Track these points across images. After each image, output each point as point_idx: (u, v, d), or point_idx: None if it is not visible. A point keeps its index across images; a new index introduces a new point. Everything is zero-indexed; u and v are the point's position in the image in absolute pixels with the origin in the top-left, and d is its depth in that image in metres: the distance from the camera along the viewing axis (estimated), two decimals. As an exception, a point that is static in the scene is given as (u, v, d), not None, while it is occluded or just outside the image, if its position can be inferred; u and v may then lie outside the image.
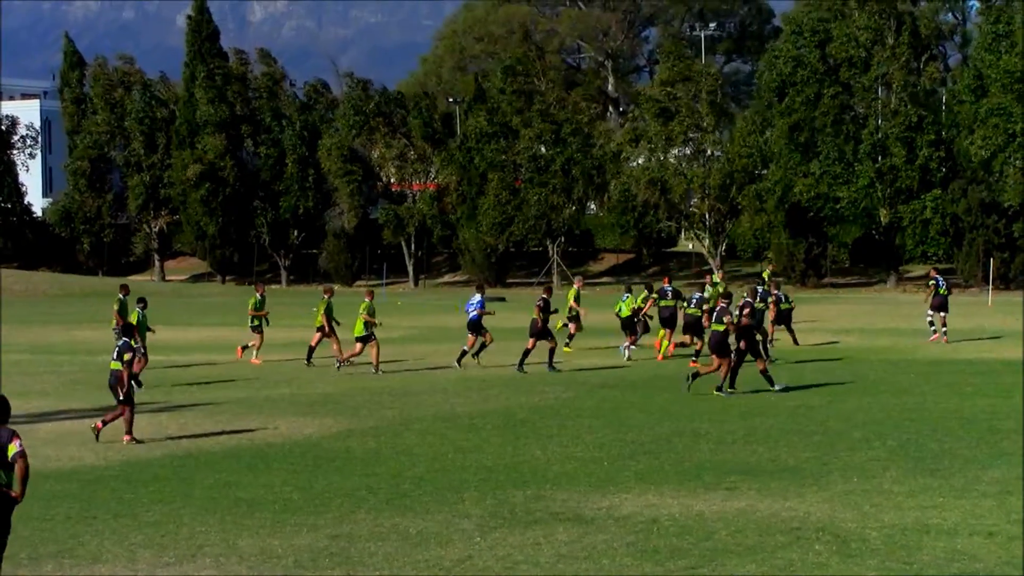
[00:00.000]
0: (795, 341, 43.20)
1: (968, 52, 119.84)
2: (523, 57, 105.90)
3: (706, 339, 34.31)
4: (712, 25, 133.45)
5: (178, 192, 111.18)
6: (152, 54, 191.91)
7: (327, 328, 40.15)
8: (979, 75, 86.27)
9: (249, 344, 41.88)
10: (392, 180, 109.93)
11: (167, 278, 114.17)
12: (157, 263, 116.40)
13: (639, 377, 36.37)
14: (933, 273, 47.59)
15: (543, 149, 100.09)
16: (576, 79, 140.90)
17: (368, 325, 38.57)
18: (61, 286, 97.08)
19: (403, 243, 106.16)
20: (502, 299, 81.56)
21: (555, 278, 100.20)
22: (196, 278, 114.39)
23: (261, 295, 42.64)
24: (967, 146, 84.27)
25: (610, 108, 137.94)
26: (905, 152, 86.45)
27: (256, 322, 41.93)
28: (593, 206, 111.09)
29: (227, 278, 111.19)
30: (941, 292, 45.36)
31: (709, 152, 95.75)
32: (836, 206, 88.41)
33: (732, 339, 31.65)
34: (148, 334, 37.06)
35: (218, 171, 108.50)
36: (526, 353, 38.28)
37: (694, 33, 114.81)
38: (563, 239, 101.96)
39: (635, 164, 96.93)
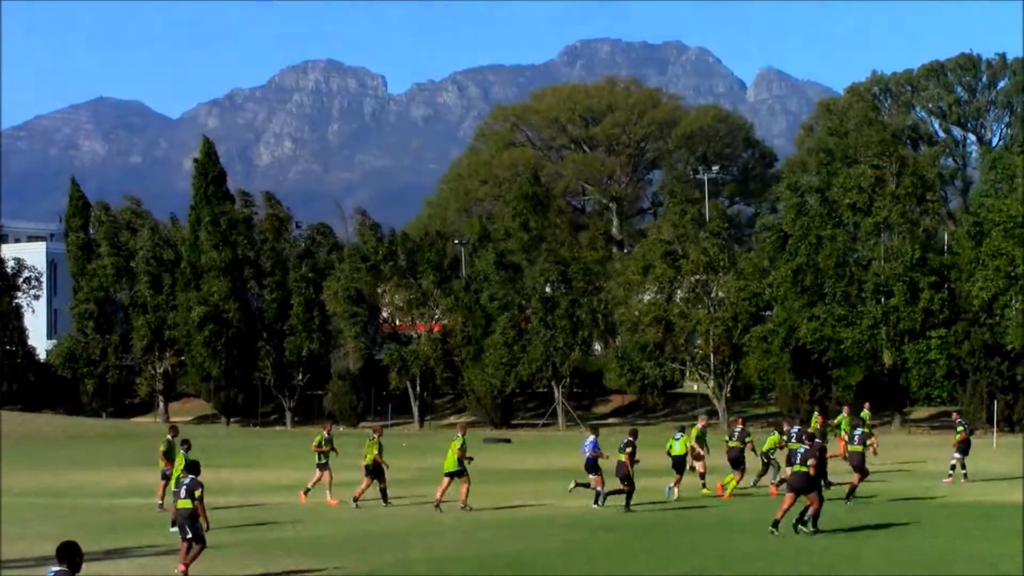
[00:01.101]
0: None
1: (969, 196, 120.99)
2: (531, 196, 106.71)
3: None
4: (715, 168, 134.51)
5: (183, 333, 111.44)
6: (159, 197, 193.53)
7: (383, 464, 40.34)
8: (979, 219, 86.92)
9: (310, 486, 42.01)
10: (397, 321, 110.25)
11: (171, 419, 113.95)
12: (161, 404, 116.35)
13: (644, 521, 36.14)
14: (957, 416, 47.99)
15: (548, 290, 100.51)
16: (581, 222, 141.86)
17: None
18: (64, 428, 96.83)
19: (408, 384, 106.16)
20: (507, 440, 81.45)
21: (560, 419, 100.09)
22: (200, 419, 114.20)
23: (328, 433, 42.67)
24: (968, 288, 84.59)
25: (614, 250, 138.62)
26: (908, 294, 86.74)
27: (323, 459, 41.86)
28: (599, 347, 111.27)
29: (231, 419, 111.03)
30: (963, 434, 46.02)
31: (714, 293, 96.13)
32: (840, 347, 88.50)
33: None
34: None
35: (223, 313, 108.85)
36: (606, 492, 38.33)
37: (697, 176, 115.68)
38: (568, 380, 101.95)
39: (644, 299, 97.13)
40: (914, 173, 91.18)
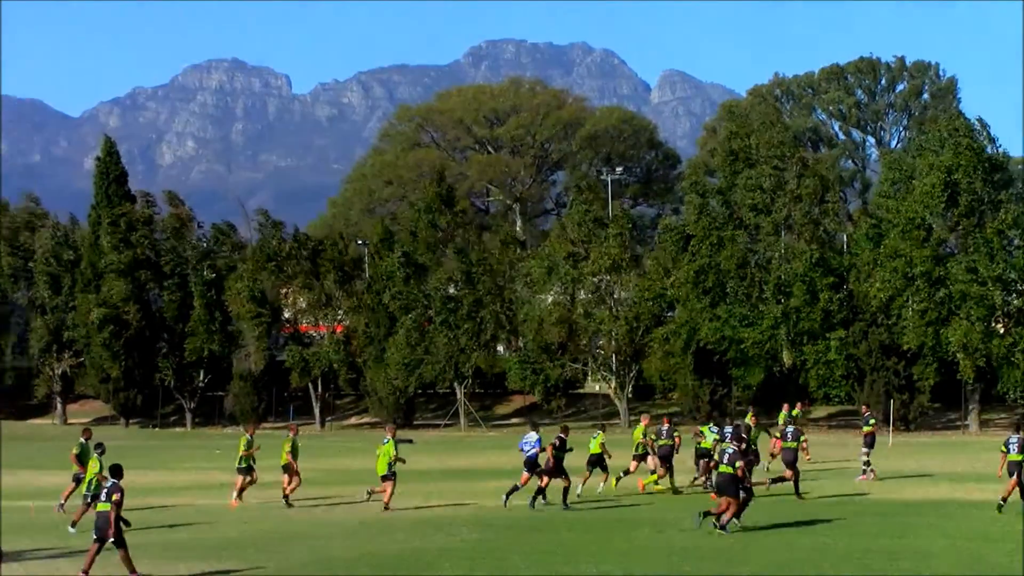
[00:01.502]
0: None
1: (868, 197, 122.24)
2: (437, 196, 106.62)
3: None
4: (619, 169, 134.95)
5: (82, 335, 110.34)
6: (59, 197, 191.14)
7: (294, 467, 40.42)
8: (878, 220, 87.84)
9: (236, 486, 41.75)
10: (300, 322, 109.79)
11: (69, 421, 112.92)
12: (59, 406, 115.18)
13: (547, 518, 36.22)
14: (866, 410, 48.83)
15: (452, 290, 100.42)
16: (485, 222, 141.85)
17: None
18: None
19: (310, 385, 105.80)
20: (410, 441, 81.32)
21: (462, 420, 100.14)
22: (99, 421, 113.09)
23: (252, 436, 42.41)
24: (867, 289, 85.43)
25: (518, 250, 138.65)
26: (807, 295, 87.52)
27: (245, 463, 41.56)
28: (502, 348, 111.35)
29: (131, 421, 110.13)
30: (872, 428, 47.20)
31: (617, 294, 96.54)
32: (741, 347, 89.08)
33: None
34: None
35: (123, 314, 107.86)
36: (539, 491, 38.61)
37: (601, 177, 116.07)
38: (470, 381, 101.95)
39: (547, 300, 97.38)
40: (815, 174, 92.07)
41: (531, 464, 39.14)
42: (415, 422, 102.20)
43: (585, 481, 42.48)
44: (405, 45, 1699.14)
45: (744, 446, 33.91)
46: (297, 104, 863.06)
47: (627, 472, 43.60)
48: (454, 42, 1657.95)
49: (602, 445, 42.76)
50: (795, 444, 41.64)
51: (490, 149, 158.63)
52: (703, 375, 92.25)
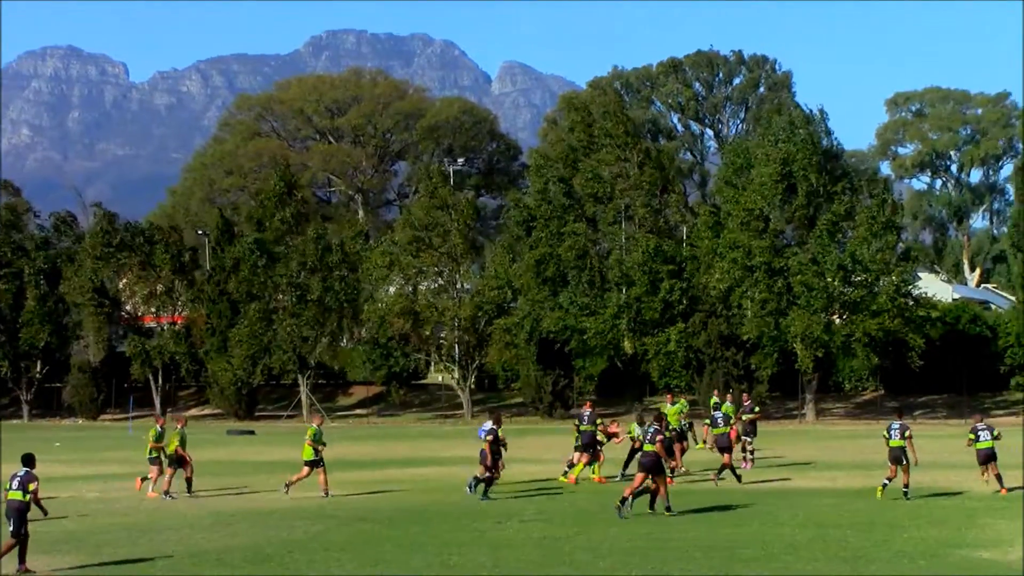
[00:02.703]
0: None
1: (707, 189, 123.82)
2: (280, 186, 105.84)
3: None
4: (461, 161, 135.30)
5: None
6: None
7: (185, 457, 40.40)
8: (717, 210, 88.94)
9: (148, 476, 41.23)
10: (140, 313, 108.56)
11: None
12: None
13: (389, 510, 36.29)
14: (747, 399, 49.49)
15: (302, 278, 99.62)
16: (327, 213, 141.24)
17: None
18: None
19: (150, 376, 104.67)
20: (251, 432, 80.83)
21: (305, 411, 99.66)
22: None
23: (162, 427, 41.85)
24: (706, 280, 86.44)
25: (362, 241, 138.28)
26: (648, 285, 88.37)
27: (154, 454, 41.11)
28: (345, 340, 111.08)
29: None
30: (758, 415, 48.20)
31: (459, 285, 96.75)
32: (583, 337, 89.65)
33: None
34: None
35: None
36: (488, 481, 38.38)
37: (443, 168, 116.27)
38: (313, 372, 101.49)
39: (389, 292, 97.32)
40: (657, 165, 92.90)
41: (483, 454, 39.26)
42: (257, 413, 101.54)
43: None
44: (244, 34, 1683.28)
45: (664, 426, 34.49)
46: (135, 93, 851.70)
47: (571, 465, 43.39)
48: (294, 32, 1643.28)
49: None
50: (727, 429, 42.29)
51: (331, 139, 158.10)
52: (546, 365, 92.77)
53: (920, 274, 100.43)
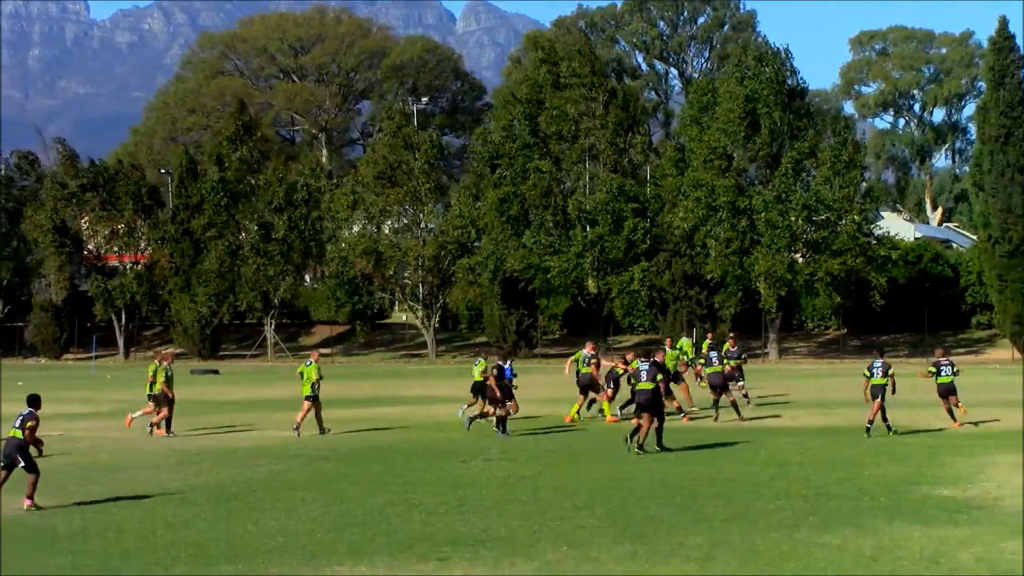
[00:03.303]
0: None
1: (671, 129, 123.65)
2: (249, 125, 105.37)
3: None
4: (425, 100, 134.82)
5: None
6: None
7: (170, 393, 40.38)
8: (682, 149, 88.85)
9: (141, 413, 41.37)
10: (102, 252, 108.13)
11: None
12: None
13: (353, 448, 36.34)
14: (732, 343, 49.41)
15: (267, 216, 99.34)
16: (291, 152, 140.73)
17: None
18: None
19: (113, 316, 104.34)
20: (215, 371, 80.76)
21: (269, 350, 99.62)
22: None
23: (168, 363, 41.85)
24: (670, 219, 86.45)
25: (325, 180, 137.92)
26: (612, 224, 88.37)
27: (154, 390, 41.05)
28: (308, 279, 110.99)
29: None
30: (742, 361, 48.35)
31: (423, 224, 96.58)
32: (547, 276, 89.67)
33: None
34: None
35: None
36: (500, 419, 38.58)
37: (407, 107, 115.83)
38: (276, 311, 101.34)
39: (353, 231, 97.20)
40: (622, 104, 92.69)
41: (506, 393, 39.34)
42: (221, 352, 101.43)
43: (470, 406, 42.77)
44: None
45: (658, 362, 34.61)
46: (96, 30, 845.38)
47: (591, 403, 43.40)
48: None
49: (483, 372, 42.91)
50: (721, 368, 42.61)
51: (295, 78, 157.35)
52: (510, 304, 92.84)
53: (883, 213, 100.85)
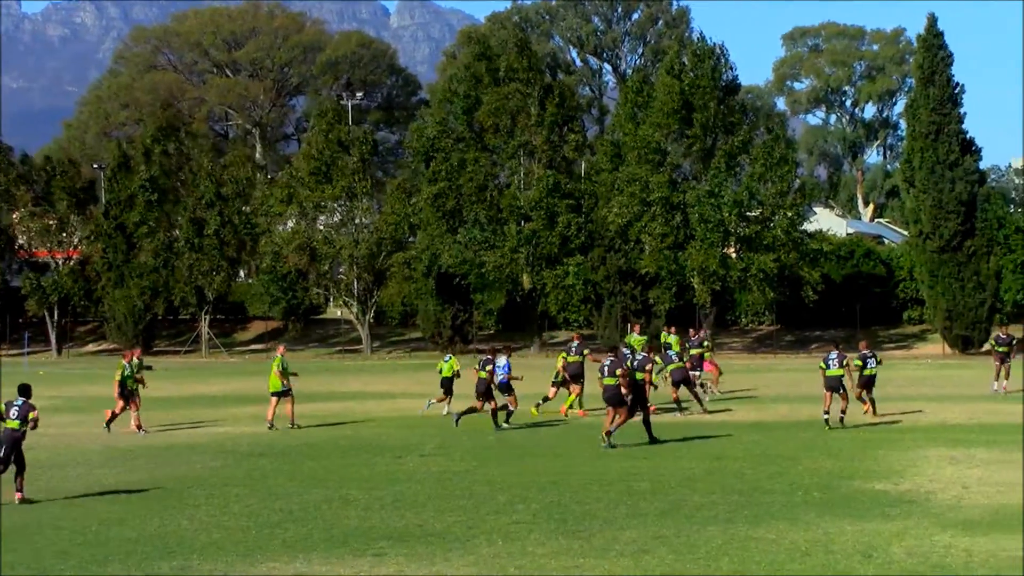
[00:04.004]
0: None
1: (605, 124, 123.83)
2: (174, 121, 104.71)
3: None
4: (359, 95, 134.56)
5: None
6: None
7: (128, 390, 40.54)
8: (617, 144, 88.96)
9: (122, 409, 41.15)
10: (35, 248, 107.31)
11: None
12: None
13: (289, 445, 36.31)
14: (694, 333, 49.69)
15: (198, 212, 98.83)
16: (225, 147, 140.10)
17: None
18: None
19: (46, 312, 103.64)
20: (149, 367, 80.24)
21: (204, 346, 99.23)
22: None
23: (138, 359, 42.27)
24: (605, 214, 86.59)
25: (258, 175, 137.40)
26: (546, 219, 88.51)
27: (134, 385, 41.10)
28: (243, 273, 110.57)
29: None
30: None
31: (358, 220, 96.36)
32: (482, 271, 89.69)
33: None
34: None
35: None
36: (493, 413, 38.88)
37: (342, 103, 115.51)
38: (211, 306, 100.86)
39: (287, 227, 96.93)
40: (558, 100, 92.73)
41: (505, 388, 39.47)
42: (155, 348, 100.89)
43: (439, 401, 43.13)
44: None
45: (620, 356, 35.08)
46: (28, 24, 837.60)
47: (546, 399, 43.24)
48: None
49: (452, 369, 43.11)
50: (680, 364, 42.86)
51: (228, 73, 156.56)
52: (445, 300, 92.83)
53: (815, 209, 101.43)
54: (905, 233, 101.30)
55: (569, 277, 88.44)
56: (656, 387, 41.46)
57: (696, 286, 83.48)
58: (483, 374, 38.97)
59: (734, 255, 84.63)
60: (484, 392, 38.83)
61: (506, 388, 39.50)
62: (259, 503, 25.96)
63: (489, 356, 39.62)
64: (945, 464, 29.50)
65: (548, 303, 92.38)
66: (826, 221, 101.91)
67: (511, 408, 39.63)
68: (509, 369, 39.73)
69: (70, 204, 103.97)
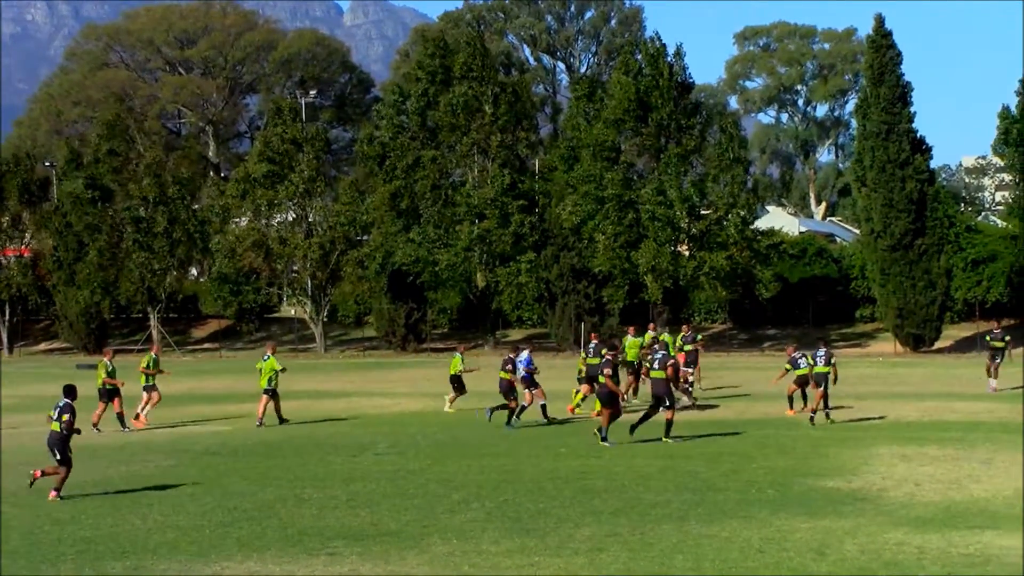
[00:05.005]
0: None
1: (559, 122, 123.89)
2: (119, 120, 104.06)
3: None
4: (313, 93, 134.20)
5: None
6: None
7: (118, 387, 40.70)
8: (571, 143, 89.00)
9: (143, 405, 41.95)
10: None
11: None
12: None
13: (243, 444, 36.22)
14: (687, 329, 49.84)
15: (142, 212, 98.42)
16: (176, 144, 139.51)
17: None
18: None
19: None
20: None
21: (157, 344, 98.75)
22: None
23: (156, 355, 43.49)
24: (559, 213, 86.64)
25: (211, 173, 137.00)
26: (500, 218, 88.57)
27: (151, 381, 42.24)
28: (195, 272, 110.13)
29: None
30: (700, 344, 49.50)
31: (312, 218, 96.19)
32: (435, 269, 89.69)
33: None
34: None
35: None
36: (510, 411, 39.04)
37: (295, 100, 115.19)
38: (163, 305, 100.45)
39: (240, 223, 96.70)
40: (512, 98, 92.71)
41: (528, 382, 39.75)
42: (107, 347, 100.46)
43: (452, 400, 44.02)
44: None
45: (615, 354, 35.51)
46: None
47: (585, 398, 43.03)
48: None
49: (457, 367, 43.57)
50: (663, 374, 42.70)
51: (181, 71, 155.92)
52: (398, 298, 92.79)
53: (768, 207, 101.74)
54: (857, 232, 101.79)
55: (522, 275, 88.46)
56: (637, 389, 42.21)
57: (649, 284, 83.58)
58: (504, 375, 39.28)
59: (687, 253, 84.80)
60: (507, 391, 39.16)
61: (530, 382, 39.79)
62: (213, 502, 25.87)
63: (511, 355, 40.16)
64: (897, 461, 29.68)
65: (502, 301, 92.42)
66: (779, 220, 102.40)
67: (541, 402, 40.01)
68: (531, 363, 39.98)
69: (23, 201, 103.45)
